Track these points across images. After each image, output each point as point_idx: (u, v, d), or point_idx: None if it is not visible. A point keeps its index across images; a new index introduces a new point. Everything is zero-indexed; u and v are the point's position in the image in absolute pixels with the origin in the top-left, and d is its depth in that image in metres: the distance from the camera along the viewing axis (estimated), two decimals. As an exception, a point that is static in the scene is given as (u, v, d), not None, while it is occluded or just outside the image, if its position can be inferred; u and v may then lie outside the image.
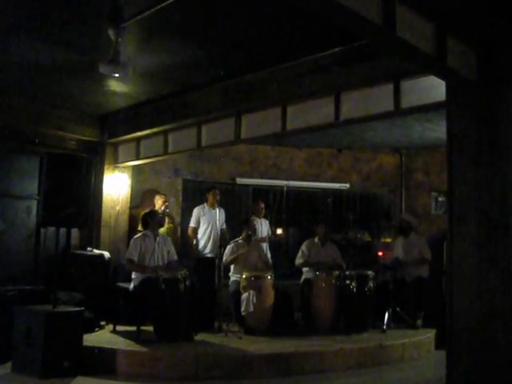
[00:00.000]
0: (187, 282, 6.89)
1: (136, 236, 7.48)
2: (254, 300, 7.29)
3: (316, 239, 8.56)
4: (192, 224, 8.75)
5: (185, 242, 9.72)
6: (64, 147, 8.79)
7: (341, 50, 6.04)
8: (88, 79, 7.00)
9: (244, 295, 7.42)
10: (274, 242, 9.86)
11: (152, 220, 7.45)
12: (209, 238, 8.67)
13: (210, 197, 8.78)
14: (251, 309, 7.30)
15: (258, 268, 8.00)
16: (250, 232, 8.26)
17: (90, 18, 5.32)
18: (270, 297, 7.45)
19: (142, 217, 7.74)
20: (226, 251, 8.05)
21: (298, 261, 8.45)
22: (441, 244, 8.29)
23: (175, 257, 7.58)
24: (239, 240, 8.28)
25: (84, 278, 8.04)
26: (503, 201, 4.58)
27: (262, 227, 9.17)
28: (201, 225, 8.72)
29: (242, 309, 7.38)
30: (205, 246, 8.67)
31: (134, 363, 6.06)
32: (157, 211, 8.08)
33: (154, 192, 9.39)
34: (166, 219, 8.78)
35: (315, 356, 6.44)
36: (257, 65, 6.70)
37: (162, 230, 8.23)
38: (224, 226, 8.84)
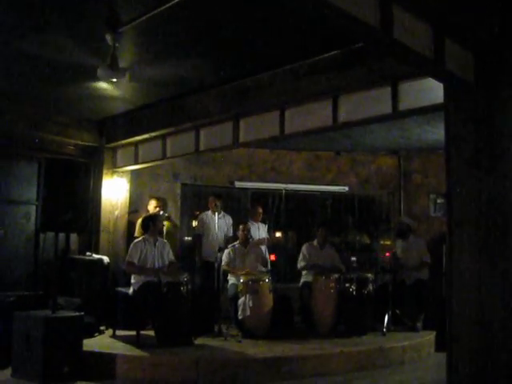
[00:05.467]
0: (189, 286, 6.91)
1: (136, 240, 7.49)
2: (251, 304, 7.27)
3: (315, 242, 8.55)
4: (197, 231, 8.95)
5: (184, 245, 9.75)
6: (62, 152, 8.77)
7: (338, 53, 6.05)
8: (86, 84, 6.99)
9: (241, 299, 7.41)
10: (271, 245, 9.92)
11: (154, 225, 7.46)
12: (210, 242, 8.74)
13: (209, 204, 8.90)
14: (247, 313, 7.29)
15: (255, 271, 7.99)
16: (248, 236, 8.28)
17: (88, 22, 5.32)
18: (267, 300, 7.44)
19: (143, 219, 7.75)
20: (224, 256, 8.05)
21: (300, 264, 8.43)
22: (440, 246, 8.31)
23: (173, 259, 7.62)
24: (236, 244, 8.28)
25: (83, 283, 8.02)
26: (502, 203, 4.58)
27: (260, 231, 9.19)
28: (205, 230, 8.84)
29: (239, 313, 7.37)
30: (205, 251, 8.71)
31: (134, 368, 6.06)
32: (159, 217, 8.07)
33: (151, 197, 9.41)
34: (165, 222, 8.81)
35: (315, 359, 6.44)
36: (254, 68, 6.71)
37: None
38: (231, 234, 8.90)
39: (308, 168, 10.93)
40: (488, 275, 4.59)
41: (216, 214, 8.68)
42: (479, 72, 4.79)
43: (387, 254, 8.53)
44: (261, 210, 9.33)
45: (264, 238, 9.06)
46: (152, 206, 8.96)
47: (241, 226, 8.42)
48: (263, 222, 9.36)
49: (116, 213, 9.31)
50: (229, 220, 9.07)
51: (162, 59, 6.42)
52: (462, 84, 4.81)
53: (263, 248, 8.94)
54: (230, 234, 8.97)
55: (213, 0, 4.89)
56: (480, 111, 4.77)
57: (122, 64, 5.90)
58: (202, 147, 8.06)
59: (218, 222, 8.62)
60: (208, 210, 9.03)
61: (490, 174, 4.66)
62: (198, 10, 5.08)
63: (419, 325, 7.86)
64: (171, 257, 7.58)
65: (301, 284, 8.38)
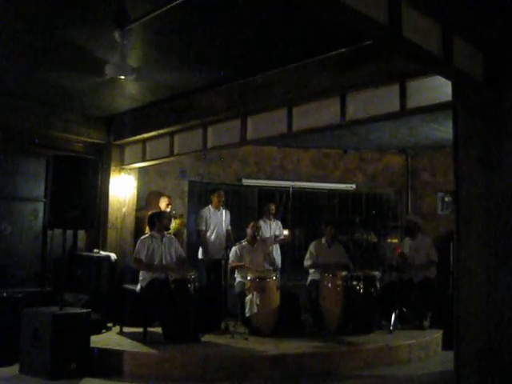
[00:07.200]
0: (196, 283, 6.92)
1: (143, 237, 7.50)
2: (258, 301, 7.27)
3: (323, 240, 8.55)
4: (201, 227, 8.81)
5: (191, 243, 9.75)
6: (70, 149, 8.82)
7: (346, 51, 6.03)
8: (94, 81, 7.00)
9: (248, 297, 7.40)
10: (287, 243, 9.94)
11: (159, 221, 7.47)
12: (215, 239, 8.72)
13: (215, 198, 8.88)
14: (255, 310, 7.28)
15: (262, 269, 8.00)
16: (255, 233, 8.28)
17: (97, 19, 5.33)
18: (274, 298, 7.44)
19: (149, 217, 7.75)
20: (231, 254, 8.06)
21: (307, 262, 8.43)
22: (447, 244, 8.28)
23: (183, 254, 7.64)
24: (243, 242, 8.29)
25: (91, 280, 8.06)
26: (510, 201, 4.56)
27: (272, 229, 9.21)
28: (208, 227, 8.80)
29: (246, 310, 7.37)
30: (211, 248, 8.70)
31: (141, 365, 6.08)
32: (165, 214, 8.07)
33: (159, 194, 9.41)
34: (174, 217, 8.81)
35: (322, 357, 6.44)
36: (262, 66, 6.69)
37: (173, 226, 8.34)
38: (229, 228, 8.88)
39: (315, 166, 10.92)
40: (496, 273, 4.58)
41: (220, 209, 8.72)
42: (488, 69, 4.77)
43: (398, 251, 8.46)
44: (273, 208, 9.35)
45: (271, 237, 9.09)
46: (164, 204, 8.94)
47: (251, 224, 8.42)
48: (278, 218, 9.42)
49: (123, 210, 9.33)
50: (228, 214, 9.00)
51: (170, 57, 6.42)
52: (470, 82, 4.80)
53: (272, 247, 8.96)
54: (229, 227, 8.94)
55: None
56: (488, 109, 4.76)
57: (131, 61, 5.91)
58: (209, 145, 8.05)
59: (221, 218, 8.66)
60: (208, 205, 8.99)
61: (499, 172, 4.64)
62: (206, 7, 5.07)
63: (426, 323, 7.84)
64: (181, 253, 7.59)
65: (308, 282, 8.39)
